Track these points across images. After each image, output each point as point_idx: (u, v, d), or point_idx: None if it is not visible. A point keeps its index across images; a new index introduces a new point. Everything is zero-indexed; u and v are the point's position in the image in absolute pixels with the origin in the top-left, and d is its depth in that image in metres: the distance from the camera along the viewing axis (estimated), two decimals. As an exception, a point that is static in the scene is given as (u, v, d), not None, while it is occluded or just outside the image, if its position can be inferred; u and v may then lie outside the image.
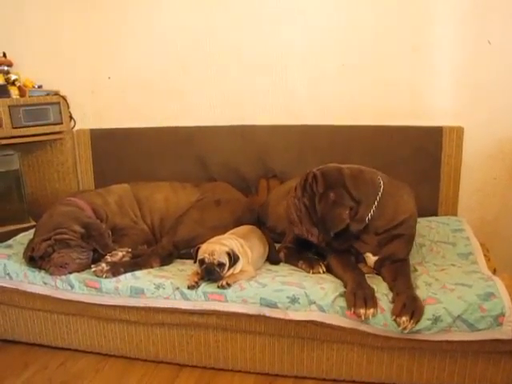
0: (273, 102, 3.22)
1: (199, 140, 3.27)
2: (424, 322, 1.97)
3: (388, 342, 2.09)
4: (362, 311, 2.01)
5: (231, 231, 2.54)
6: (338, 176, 2.28)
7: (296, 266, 2.48)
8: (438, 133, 2.93)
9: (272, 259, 2.57)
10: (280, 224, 2.76)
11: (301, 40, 3.10)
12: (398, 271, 2.24)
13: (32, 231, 2.74)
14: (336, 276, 2.31)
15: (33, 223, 3.19)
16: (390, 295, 2.11)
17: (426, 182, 2.96)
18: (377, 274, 2.36)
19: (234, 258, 2.26)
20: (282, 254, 2.59)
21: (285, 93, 3.20)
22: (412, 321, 1.95)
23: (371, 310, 2.01)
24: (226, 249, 2.27)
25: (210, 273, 2.25)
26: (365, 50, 3.02)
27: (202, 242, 2.34)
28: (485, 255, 2.48)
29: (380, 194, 2.26)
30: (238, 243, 2.36)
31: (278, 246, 2.68)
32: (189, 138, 3.28)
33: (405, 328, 1.96)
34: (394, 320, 1.99)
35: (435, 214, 2.99)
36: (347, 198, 2.22)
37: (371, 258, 2.35)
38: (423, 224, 2.78)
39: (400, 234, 2.32)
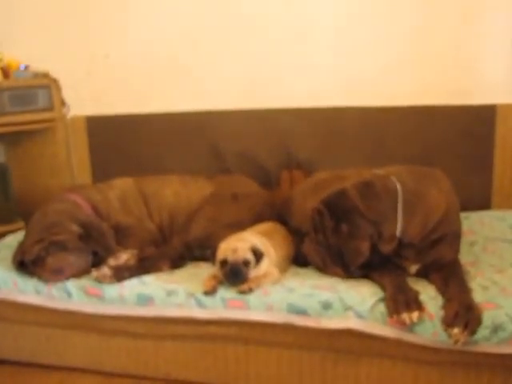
0: (296, 81, 3.22)
1: (212, 126, 3.27)
2: (482, 331, 1.92)
3: (438, 355, 2.05)
4: (406, 315, 1.98)
5: (251, 228, 2.53)
6: (345, 201, 2.23)
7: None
8: (490, 112, 2.91)
9: (298, 261, 2.54)
10: (305, 224, 2.72)
11: (327, 10, 3.08)
12: (449, 275, 2.19)
13: (21, 233, 2.76)
14: (372, 280, 2.27)
15: (22, 224, 3.21)
16: (439, 299, 2.07)
17: (476, 171, 2.96)
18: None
19: (258, 255, 2.25)
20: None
21: (309, 71, 3.19)
22: (466, 332, 1.91)
23: (416, 313, 1.98)
24: (249, 244, 2.25)
25: (236, 273, 2.22)
26: (402, 19, 3.00)
27: (218, 242, 2.33)
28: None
29: (400, 200, 2.19)
30: (259, 241, 2.34)
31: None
32: (200, 124, 3.29)
33: (457, 341, 1.91)
34: (445, 331, 1.95)
35: (488, 208, 2.97)
36: (363, 226, 2.18)
37: (412, 268, 2.31)
38: (474, 219, 2.77)
39: (440, 236, 2.27)
